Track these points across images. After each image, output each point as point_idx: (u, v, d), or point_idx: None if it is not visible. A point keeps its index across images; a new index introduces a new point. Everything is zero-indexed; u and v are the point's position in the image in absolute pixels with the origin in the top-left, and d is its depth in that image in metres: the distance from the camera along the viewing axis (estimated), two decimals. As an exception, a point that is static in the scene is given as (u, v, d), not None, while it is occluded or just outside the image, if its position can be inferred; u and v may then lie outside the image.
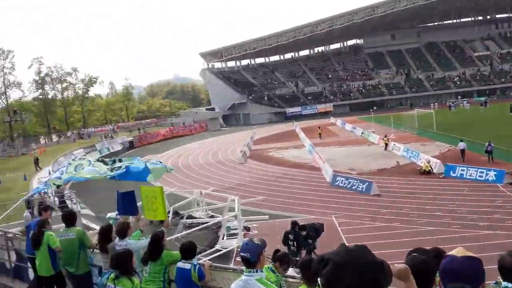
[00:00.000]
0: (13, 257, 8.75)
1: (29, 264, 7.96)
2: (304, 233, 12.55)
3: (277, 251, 6.02)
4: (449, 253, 2.32)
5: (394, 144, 33.30)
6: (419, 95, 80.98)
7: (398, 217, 17.33)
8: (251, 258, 3.81)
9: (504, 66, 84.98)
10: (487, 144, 25.67)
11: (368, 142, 39.48)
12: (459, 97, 75.33)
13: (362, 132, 44.40)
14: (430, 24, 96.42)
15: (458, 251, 2.27)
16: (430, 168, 24.51)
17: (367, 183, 21.96)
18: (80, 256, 6.97)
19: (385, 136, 35.41)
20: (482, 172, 21.81)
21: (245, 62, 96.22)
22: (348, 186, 22.88)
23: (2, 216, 10.67)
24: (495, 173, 21.21)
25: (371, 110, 65.34)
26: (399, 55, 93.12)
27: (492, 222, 15.38)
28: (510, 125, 38.57)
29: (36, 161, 37.63)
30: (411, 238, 14.61)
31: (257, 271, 3.82)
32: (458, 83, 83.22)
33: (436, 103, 65.65)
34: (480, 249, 11.47)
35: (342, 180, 23.75)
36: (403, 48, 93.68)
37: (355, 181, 22.87)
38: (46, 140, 65.90)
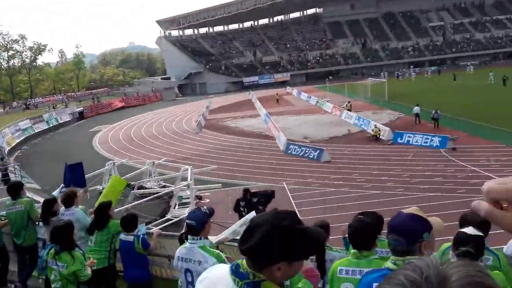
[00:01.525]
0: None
1: None
2: (255, 199, 12.74)
3: None
4: (401, 210, 2.41)
5: (347, 113, 33.97)
6: (374, 65, 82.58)
7: (347, 182, 17.83)
8: (196, 225, 3.87)
9: (456, 36, 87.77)
10: (433, 111, 26.70)
11: (323, 111, 40.06)
12: (412, 66, 77.41)
13: (317, 102, 44.94)
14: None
15: (410, 210, 2.37)
16: (378, 133, 25.33)
17: (318, 151, 22.37)
18: (28, 228, 6.82)
19: (348, 102, 36.54)
20: (427, 138, 22.72)
21: (203, 30, 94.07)
22: (301, 154, 23.23)
23: None
24: (439, 139, 22.14)
25: (326, 79, 66.12)
26: (357, 25, 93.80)
27: (432, 185, 16.15)
28: (454, 94, 40.42)
29: None
30: (358, 201, 15.09)
31: (201, 239, 3.89)
32: (412, 53, 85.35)
33: (386, 73, 67.46)
34: (422, 211, 11.99)
35: (295, 148, 24.05)
36: (362, 18, 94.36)
37: (308, 149, 23.24)
38: (-10, 110, 62.44)
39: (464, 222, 3.80)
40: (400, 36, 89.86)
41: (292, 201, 15.93)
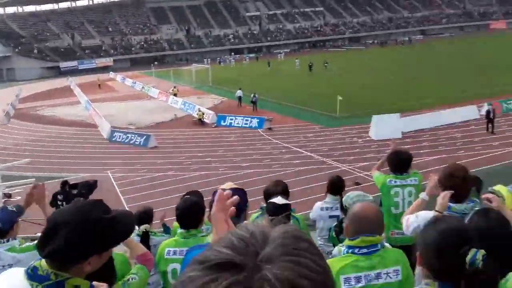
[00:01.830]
0: None
1: None
2: (75, 191, 11.95)
3: None
4: (219, 187, 2.49)
5: (173, 98, 34.17)
6: (198, 51, 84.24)
7: (174, 166, 18.12)
8: (3, 226, 3.46)
9: (270, 26, 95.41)
10: (252, 95, 28.77)
11: (148, 96, 39.44)
12: (232, 53, 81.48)
13: (143, 87, 43.99)
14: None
15: (226, 185, 2.47)
16: (203, 117, 26.24)
17: (145, 137, 22.11)
18: None
19: (175, 87, 36.87)
20: (247, 120, 24.50)
21: (11, 10, 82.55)
22: (127, 141, 22.65)
23: None
24: (257, 120, 24.10)
25: (152, 65, 65.16)
26: (181, 11, 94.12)
27: (252, 162, 17.55)
28: (269, 79, 44.26)
29: None
30: (185, 183, 15.45)
31: (8, 240, 3.46)
32: (232, 40, 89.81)
33: (209, 59, 69.97)
34: (242, 186, 12.91)
35: (120, 135, 23.33)
36: (185, 4, 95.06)
37: (133, 135, 22.77)
38: None
39: (267, 195, 4.11)
40: (221, 24, 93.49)
41: (118, 190, 15.48)
